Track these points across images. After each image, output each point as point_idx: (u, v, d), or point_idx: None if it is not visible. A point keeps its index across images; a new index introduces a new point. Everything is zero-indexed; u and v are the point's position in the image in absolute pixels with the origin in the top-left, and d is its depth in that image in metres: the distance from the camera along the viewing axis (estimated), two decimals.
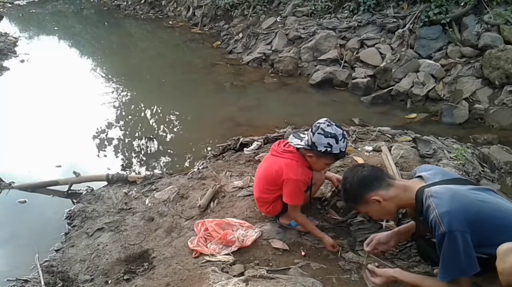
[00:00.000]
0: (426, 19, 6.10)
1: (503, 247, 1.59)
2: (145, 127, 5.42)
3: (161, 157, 4.62)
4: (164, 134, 5.26)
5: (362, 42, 6.64)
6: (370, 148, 3.35)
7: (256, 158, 3.57)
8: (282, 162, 2.43)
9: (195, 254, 2.52)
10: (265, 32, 8.05)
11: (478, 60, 5.43)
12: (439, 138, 3.64)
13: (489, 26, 5.63)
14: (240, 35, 8.56)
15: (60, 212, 3.45)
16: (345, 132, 2.37)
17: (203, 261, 2.43)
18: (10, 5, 14.18)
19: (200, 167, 3.71)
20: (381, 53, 6.28)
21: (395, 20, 6.56)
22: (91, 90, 6.54)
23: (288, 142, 2.51)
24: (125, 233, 3.00)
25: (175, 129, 5.48)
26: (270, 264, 2.36)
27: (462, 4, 5.96)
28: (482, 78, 5.28)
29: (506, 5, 5.72)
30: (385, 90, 5.79)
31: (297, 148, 2.43)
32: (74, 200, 3.61)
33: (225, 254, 2.44)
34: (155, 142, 4.91)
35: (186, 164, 4.39)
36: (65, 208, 3.50)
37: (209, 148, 4.58)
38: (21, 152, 4.50)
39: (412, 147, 3.30)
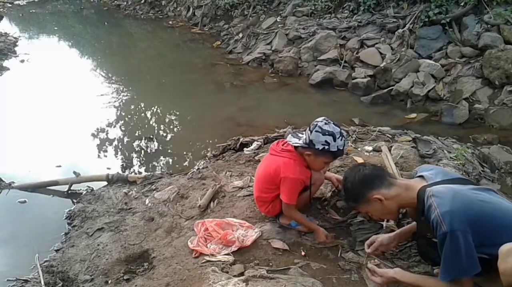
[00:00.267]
0: (426, 19, 6.10)
1: (505, 248, 1.58)
2: (145, 127, 5.42)
3: (161, 157, 4.62)
4: (164, 134, 5.26)
5: (362, 42, 6.63)
6: (370, 148, 3.35)
7: (256, 158, 3.57)
8: (280, 161, 2.44)
9: (195, 254, 2.52)
10: (265, 32, 8.05)
11: (478, 60, 5.43)
12: (439, 138, 3.64)
13: (489, 26, 5.63)
14: (240, 35, 8.56)
15: (60, 212, 3.45)
16: (343, 131, 2.37)
17: (203, 261, 2.43)
18: (10, 5, 14.18)
19: (200, 167, 3.71)
20: (381, 53, 6.28)
21: (395, 20, 6.55)
22: (91, 90, 6.54)
23: (286, 141, 2.51)
24: (125, 233, 3.00)
25: (175, 129, 5.48)
26: (270, 264, 2.36)
27: (462, 4, 5.96)
28: (482, 78, 5.28)
29: (506, 5, 5.72)
30: (385, 90, 5.79)
31: (296, 147, 2.43)
32: (74, 200, 3.61)
33: (225, 254, 2.44)
34: (155, 142, 4.91)
35: (186, 164, 4.39)
36: (65, 208, 3.50)
37: (209, 148, 4.58)
38: (21, 152, 4.50)
39: (412, 147, 3.30)
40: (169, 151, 4.76)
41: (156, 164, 4.46)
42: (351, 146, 3.44)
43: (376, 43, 6.48)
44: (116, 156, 4.64)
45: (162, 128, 5.41)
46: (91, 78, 7.41)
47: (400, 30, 6.32)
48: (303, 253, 2.43)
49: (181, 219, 3.03)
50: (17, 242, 3.15)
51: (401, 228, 2.29)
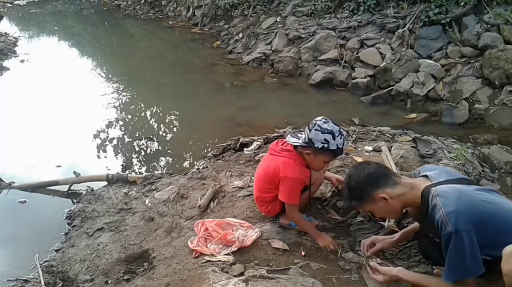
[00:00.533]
0: (426, 19, 6.10)
1: (509, 249, 1.58)
2: (145, 127, 5.42)
3: (161, 157, 4.62)
4: (164, 134, 5.26)
5: (362, 42, 6.63)
6: (370, 148, 3.35)
7: (256, 158, 3.57)
8: (280, 160, 2.43)
9: (195, 254, 2.51)
10: (265, 32, 8.05)
11: (478, 60, 5.43)
12: (439, 138, 3.64)
13: (489, 26, 5.63)
14: (240, 35, 8.56)
15: (60, 212, 3.45)
16: (342, 129, 2.36)
17: (203, 261, 2.43)
18: (10, 5, 14.18)
19: (200, 167, 3.71)
20: (381, 53, 6.28)
21: (395, 20, 6.55)
22: (91, 90, 6.54)
23: (286, 141, 2.51)
24: (125, 233, 3.00)
25: (175, 129, 5.48)
26: (270, 264, 2.36)
27: (462, 4, 5.96)
28: (482, 78, 5.28)
29: (506, 5, 5.72)
30: (385, 90, 5.79)
31: (295, 147, 2.43)
32: (74, 200, 3.61)
33: (225, 254, 2.44)
34: (155, 142, 4.91)
35: (186, 164, 4.39)
36: (65, 208, 3.50)
37: (209, 148, 4.58)
38: (21, 152, 4.50)
39: (412, 147, 3.30)
40: (169, 151, 4.76)
41: (156, 164, 4.46)
42: (351, 146, 3.44)
43: (376, 43, 6.48)
44: (116, 156, 4.64)
45: (162, 128, 5.41)
46: (91, 78, 7.41)
47: (400, 30, 6.32)
48: (303, 253, 2.43)
49: (181, 219, 3.03)
50: (17, 242, 3.15)
51: (402, 231, 2.28)
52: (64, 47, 10.25)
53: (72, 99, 6.06)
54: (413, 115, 5.28)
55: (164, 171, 4.09)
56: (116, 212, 3.32)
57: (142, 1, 12.84)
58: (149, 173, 3.94)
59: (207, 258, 2.44)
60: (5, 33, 9.91)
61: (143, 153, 4.73)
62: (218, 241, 2.53)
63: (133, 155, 4.66)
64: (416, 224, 2.22)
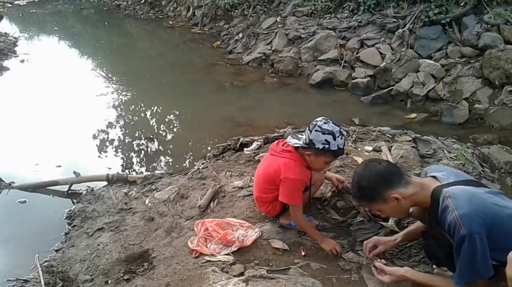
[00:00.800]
0: (426, 19, 6.10)
1: None
2: (145, 127, 5.42)
3: (161, 157, 4.63)
4: (164, 134, 5.26)
5: (362, 42, 6.63)
6: (370, 148, 3.35)
7: (256, 158, 3.57)
8: (281, 161, 2.43)
9: (195, 254, 2.51)
10: (265, 32, 8.05)
11: (478, 60, 5.43)
12: (439, 138, 3.63)
13: (489, 26, 5.63)
14: (240, 35, 8.56)
15: (60, 212, 3.45)
16: (342, 130, 2.36)
17: (203, 261, 2.43)
18: (10, 5, 14.18)
19: (200, 167, 3.71)
20: (381, 53, 6.28)
21: (395, 20, 6.55)
22: (91, 90, 6.54)
23: (286, 142, 2.51)
24: (125, 233, 3.00)
25: (175, 129, 5.48)
26: (270, 264, 2.36)
27: (462, 4, 5.96)
28: (482, 78, 5.27)
29: (506, 5, 5.72)
30: (385, 90, 5.79)
31: (296, 148, 2.42)
32: (74, 200, 3.61)
33: (225, 254, 2.44)
34: (155, 142, 4.91)
35: (186, 164, 4.39)
36: (65, 208, 3.50)
37: (209, 148, 4.58)
38: (21, 152, 4.49)
39: (412, 147, 3.30)
40: (169, 151, 4.76)
41: (156, 164, 4.46)
42: (351, 146, 3.44)
43: (376, 43, 6.48)
44: (116, 156, 4.64)
45: (162, 128, 5.41)
46: (91, 78, 7.40)
47: (400, 30, 6.32)
48: (303, 253, 2.43)
49: (181, 219, 3.03)
50: (17, 242, 3.15)
51: (403, 232, 2.27)
52: (64, 47, 10.25)
53: (72, 99, 6.05)
54: (413, 115, 5.28)
55: (164, 171, 4.08)
56: (116, 212, 3.32)
57: (142, 1, 12.84)
58: (149, 173, 3.94)
59: (207, 258, 2.44)
60: (5, 33, 9.91)
61: (143, 153, 4.73)
62: (218, 241, 2.53)
63: (133, 155, 4.66)
64: (417, 224, 2.21)
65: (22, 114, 5.54)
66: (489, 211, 1.67)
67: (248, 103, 5.92)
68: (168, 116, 5.82)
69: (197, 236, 2.63)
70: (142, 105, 6.19)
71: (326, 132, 2.26)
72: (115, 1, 14.03)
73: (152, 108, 6.08)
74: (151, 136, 5.02)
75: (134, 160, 4.56)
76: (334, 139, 2.27)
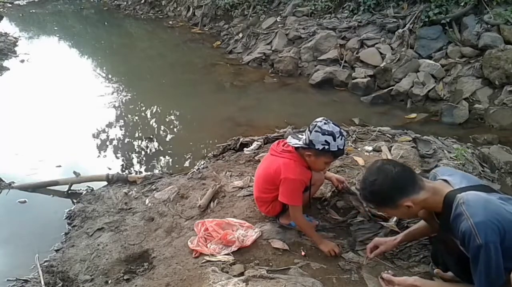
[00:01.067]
0: (426, 19, 6.10)
1: None
2: (145, 127, 5.42)
3: (161, 157, 4.63)
4: (164, 134, 5.26)
5: (362, 42, 6.63)
6: (370, 148, 3.35)
7: (256, 158, 3.57)
8: (281, 161, 2.43)
9: (195, 254, 2.51)
10: (265, 32, 8.05)
11: (478, 60, 5.43)
12: (439, 138, 3.63)
13: (489, 26, 5.63)
14: (240, 35, 8.56)
15: (60, 212, 3.45)
16: (342, 130, 2.36)
17: (203, 261, 2.43)
18: (10, 5, 14.18)
19: (200, 167, 3.71)
20: (381, 53, 6.28)
21: (395, 20, 6.55)
22: (91, 90, 6.54)
23: (287, 142, 2.51)
24: (125, 233, 3.00)
25: (175, 129, 5.48)
26: (270, 264, 2.36)
27: (462, 4, 5.96)
28: (482, 78, 5.27)
29: (506, 5, 5.72)
30: (385, 90, 5.79)
31: (296, 148, 2.42)
32: (74, 200, 3.60)
33: (225, 254, 2.44)
34: (155, 142, 4.91)
35: (186, 164, 4.39)
36: (65, 208, 3.49)
37: (209, 148, 4.58)
38: (22, 152, 4.49)
39: (412, 147, 3.30)
40: (169, 151, 4.76)
41: (156, 164, 4.46)
42: (351, 146, 3.44)
43: (376, 43, 6.47)
44: (116, 156, 4.63)
45: (162, 128, 5.41)
46: (91, 78, 7.40)
47: (400, 30, 6.31)
48: (303, 253, 2.43)
49: (181, 219, 3.03)
50: (17, 242, 3.15)
51: (404, 232, 2.27)
52: (64, 47, 10.25)
53: (72, 99, 6.05)
54: (413, 115, 5.28)
55: (164, 171, 4.08)
56: (116, 212, 3.32)
57: (142, 1, 12.84)
58: (149, 173, 3.94)
59: (207, 258, 2.44)
60: (5, 33, 9.91)
61: (143, 153, 4.73)
62: (218, 241, 2.53)
63: (133, 155, 4.66)
64: (419, 225, 2.21)
65: (22, 114, 5.53)
66: (504, 219, 1.63)
67: (248, 103, 5.92)
68: (168, 116, 5.82)
69: (197, 236, 2.63)
70: (142, 105, 6.19)
71: (326, 133, 2.26)
72: (115, 1, 14.04)
73: (152, 108, 6.08)
74: (151, 136, 5.02)
75: (134, 160, 4.56)
76: (334, 140, 2.27)
